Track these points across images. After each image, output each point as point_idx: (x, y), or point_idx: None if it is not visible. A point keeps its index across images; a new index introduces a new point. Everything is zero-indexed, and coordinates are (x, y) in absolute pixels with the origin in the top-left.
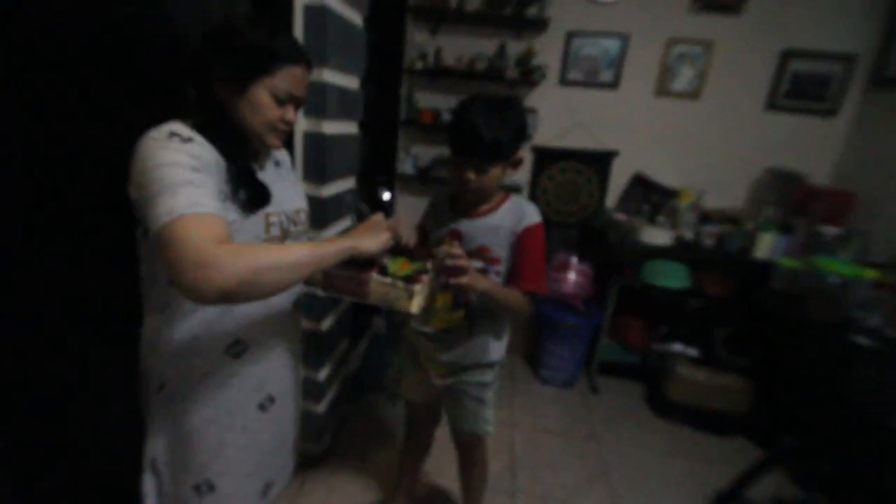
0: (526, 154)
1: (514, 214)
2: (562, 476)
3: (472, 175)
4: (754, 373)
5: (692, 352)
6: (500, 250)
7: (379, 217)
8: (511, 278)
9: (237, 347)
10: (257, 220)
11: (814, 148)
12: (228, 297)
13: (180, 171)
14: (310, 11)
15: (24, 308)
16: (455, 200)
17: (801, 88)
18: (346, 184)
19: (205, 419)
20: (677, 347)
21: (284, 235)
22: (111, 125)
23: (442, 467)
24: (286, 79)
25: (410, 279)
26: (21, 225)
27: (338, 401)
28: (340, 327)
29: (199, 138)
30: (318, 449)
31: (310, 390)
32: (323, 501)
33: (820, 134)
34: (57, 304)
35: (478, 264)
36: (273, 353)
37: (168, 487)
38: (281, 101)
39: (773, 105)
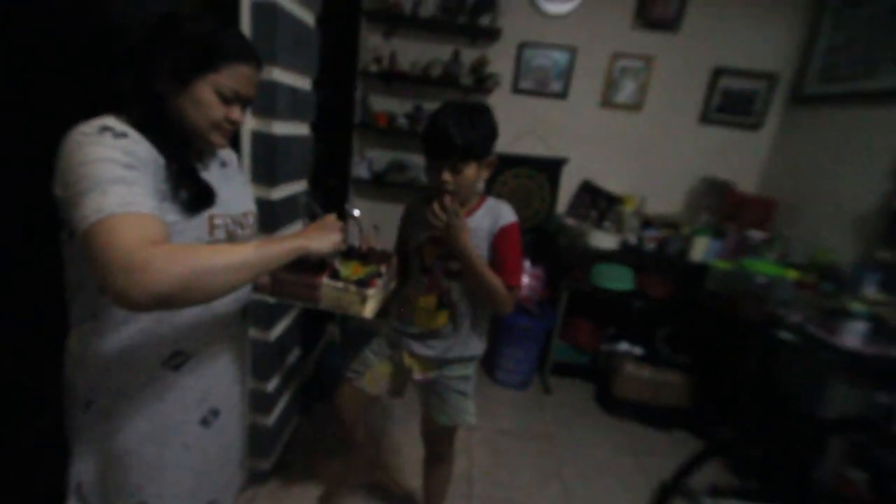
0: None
1: (491, 215)
2: (518, 477)
3: (447, 176)
4: (694, 369)
5: (637, 351)
6: (479, 250)
7: (332, 217)
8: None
9: (177, 359)
10: (200, 222)
11: (742, 159)
12: (163, 302)
13: (112, 167)
14: (258, 8)
15: None
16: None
17: (730, 103)
18: (297, 186)
19: (140, 437)
20: (623, 347)
21: (230, 238)
22: (35, 118)
23: (405, 469)
24: (232, 76)
25: (363, 283)
26: None
27: (288, 412)
28: (291, 336)
29: (134, 134)
30: (267, 464)
31: (258, 402)
32: None
33: (747, 146)
34: None
35: (458, 266)
36: (217, 363)
37: None
38: (227, 100)
39: (705, 118)
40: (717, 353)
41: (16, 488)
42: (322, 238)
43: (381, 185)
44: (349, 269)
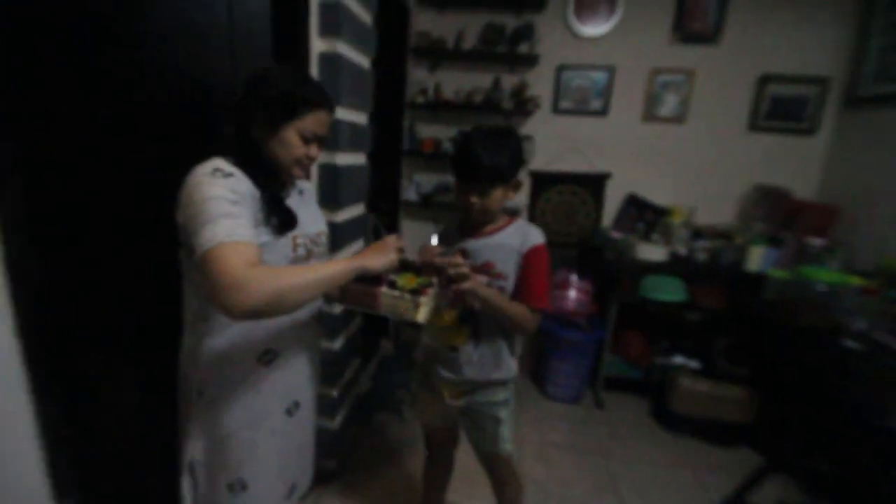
0: (524, 178)
1: (519, 236)
2: (571, 490)
3: (475, 198)
4: (755, 382)
5: (693, 364)
6: (504, 266)
7: (391, 238)
8: (518, 296)
9: (268, 356)
10: (286, 241)
11: (796, 165)
12: (256, 314)
13: (221, 204)
14: (324, 58)
15: (84, 317)
16: (463, 224)
17: (780, 110)
18: (357, 210)
19: (239, 422)
20: (678, 360)
21: (308, 254)
22: (163, 161)
23: (471, 489)
24: (312, 121)
25: (416, 292)
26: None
27: (350, 419)
28: (351, 347)
29: (238, 173)
30: (332, 464)
31: (324, 407)
32: None
33: (801, 152)
34: (111, 316)
35: (483, 278)
36: (298, 361)
37: (203, 488)
38: (307, 140)
39: (754, 126)
40: (778, 365)
41: (137, 466)
42: (378, 257)
43: (428, 207)
44: (405, 280)
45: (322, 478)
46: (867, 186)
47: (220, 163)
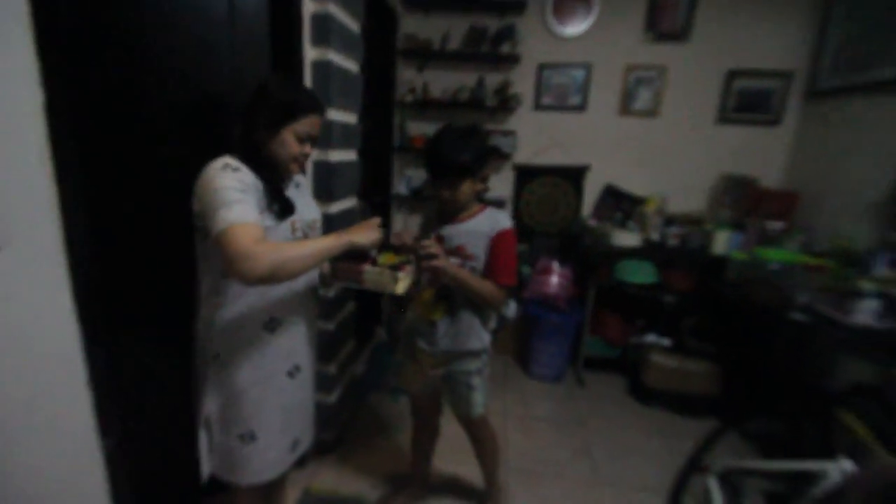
0: (508, 172)
1: (489, 222)
2: (549, 453)
3: (446, 192)
4: (720, 357)
5: (665, 342)
6: (475, 248)
7: (375, 220)
8: (488, 274)
9: (272, 324)
10: (286, 225)
11: (763, 155)
12: (266, 279)
13: (232, 192)
14: (316, 65)
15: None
16: (440, 212)
17: (746, 103)
18: (349, 202)
19: (249, 381)
20: (651, 339)
21: (305, 237)
22: (181, 159)
23: (455, 455)
24: (306, 124)
25: (396, 268)
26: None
27: (346, 395)
28: (346, 328)
29: (244, 168)
30: (330, 437)
31: (322, 382)
32: (336, 485)
33: (766, 142)
34: (143, 291)
35: (456, 260)
36: (298, 330)
37: (218, 439)
38: (302, 140)
39: (723, 118)
40: (740, 340)
41: (165, 417)
42: (364, 233)
43: (419, 199)
44: (385, 258)
45: (321, 449)
46: (825, 174)
47: (229, 160)
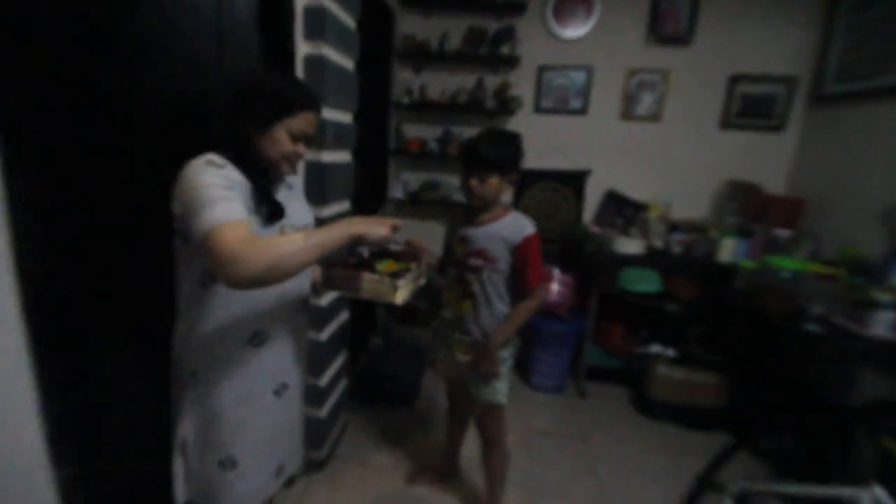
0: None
1: (512, 227)
2: (552, 472)
3: (475, 182)
4: (727, 368)
5: (670, 352)
6: (497, 252)
7: (391, 220)
8: (521, 281)
9: (258, 338)
10: (275, 230)
11: (766, 160)
12: (258, 282)
13: (216, 190)
14: (309, 61)
15: (76, 306)
16: (467, 213)
17: (750, 108)
18: (342, 206)
19: (229, 401)
20: (656, 349)
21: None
22: (159, 160)
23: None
24: (301, 121)
25: (396, 276)
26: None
27: (338, 408)
28: (340, 338)
29: (229, 166)
30: (320, 454)
31: (312, 396)
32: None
33: (770, 148)
34: (102, 305)
35: (478, 262)
36: (286, 345)
37: (195, 465)
38: (295, 138)
39: (726, 124)
40: (749, 351)
41: (133, 444)
42: (370, 227)
43: (415, 204)
44: (384, 265)
45: (310, 467)
46: (831, 180)
47: (212, 157)
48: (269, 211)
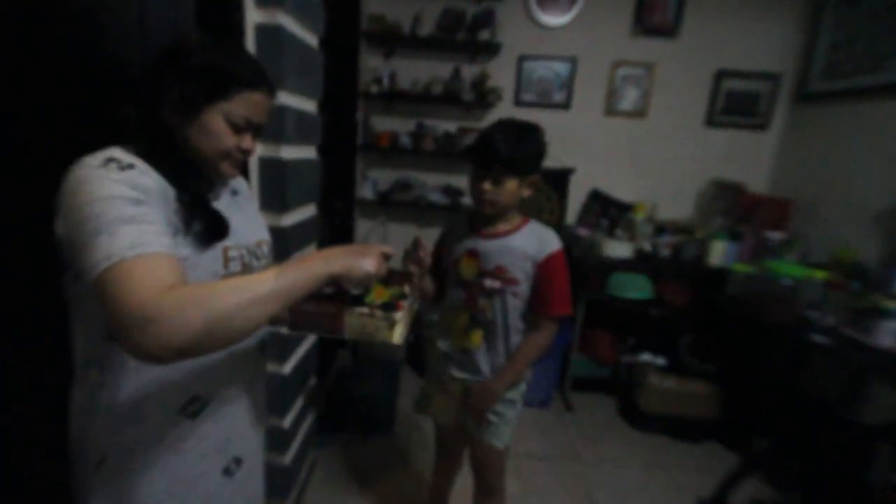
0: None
1: (534, 241)
2: (546, 500)
3: (488, 185)
4: (721, 377)
5: (660, 361)
6: (518, 272)
7: (381, 247)
8: (539, 305)
9: (194, 405)
10: (215, 254)
11: (750, 159)
12: (184, 354)
13: (119, 205)
14: (262, 31)
15: None
16: (474, 220)
17: (734, 105)
18: (307, 211)
19: (159, 494)
20: (645, 357)
21: (246, 271)
22: (41, 158)
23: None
24: (244, 104)
25: (390, 307)
26: None
27: (305, 448)
28: (307, 366)
29: (141, 164)
30: None
31: (274, 441)
32: None
33: (754, 146)
34: None
35: (495, 284)
36: (237, 407)
37: None
38: (238, 128)
39: (711, 121)
40: (744, 360)
41: None
42: (357, 262)
43: (386, 205)
44: (372, 293)
45: None
46: (817, 180)
47: (116, 152)
48: (205, 226)
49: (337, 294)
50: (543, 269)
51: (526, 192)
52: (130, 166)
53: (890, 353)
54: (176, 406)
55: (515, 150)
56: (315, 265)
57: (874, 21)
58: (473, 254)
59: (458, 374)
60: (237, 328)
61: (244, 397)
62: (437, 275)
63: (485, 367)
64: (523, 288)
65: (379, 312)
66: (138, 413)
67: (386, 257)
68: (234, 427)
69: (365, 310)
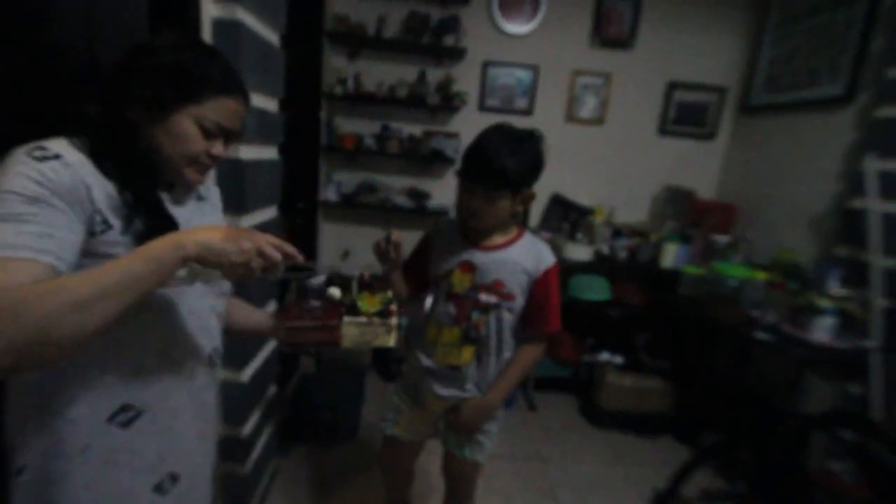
0: (451, 179)
1: (532, 256)
2: (513, 502)
3: (476, 202)
4: (674, 374)
5: (618, 360)
6: (516, 287)
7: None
8: (535, 320)
9: (125, 414)
10: None
11: (700, 167)
12: (10, 366)
13: (10, 200)
14: (220, 26)
15: None
16: (467, 230)
17: (685, 115)
18: (267, 214)
19: None
20: (605, 356)
21: (194, 279)
22: None
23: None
24: (216, 109)
25: (384, 313)
26: None
27: (266, 456)
28: (267, 372)
29: (73, 158)
30: None
31: (232, 450)
32: None
33: (703, 155)
34: None
35: (492, 299)
36: (177, 420)
37: None
38: (209, 133)
39: (663, 130)
40: (694, 357)
41: None
42: (219, 245)
43: (351, 207)
44: (366, 303)
45: None
46: (759, 187)
47: (54, 143)
48: (147, 226)
49: (327, 305)
50: (541, 285)
51: (519, 208)
52: (56, 157)
53: (824, 347)
54: (105, 413)
55: (515, 163)
56: (163, 251)
57: (811, 39)
58: (468, 266)
59: (441, 391)
60: (56, 339)
61: (188, 410)
62: (408, 276)
63: (471, 384)
64: (518, 303)
65: (377, 320)
66: (62, 418)
67: (287, 257)
68: (172, 441)
69: (362, 318)
